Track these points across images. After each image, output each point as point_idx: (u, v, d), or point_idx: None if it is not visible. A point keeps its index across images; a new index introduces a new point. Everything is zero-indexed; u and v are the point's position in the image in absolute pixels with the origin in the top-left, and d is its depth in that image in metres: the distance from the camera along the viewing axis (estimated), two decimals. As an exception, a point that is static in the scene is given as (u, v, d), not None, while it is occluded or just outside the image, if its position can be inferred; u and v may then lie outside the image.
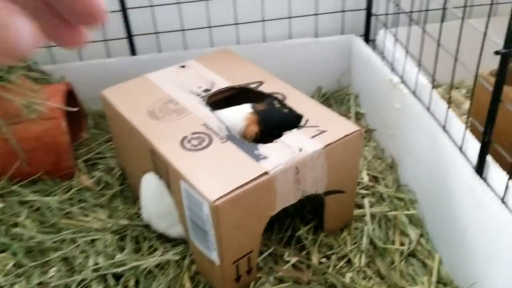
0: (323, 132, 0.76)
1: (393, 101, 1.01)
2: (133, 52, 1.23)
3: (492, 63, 0.68)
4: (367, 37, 1.25)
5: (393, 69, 1.06)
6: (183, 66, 0.95)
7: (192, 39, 1.24)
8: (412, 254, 0.86)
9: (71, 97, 1.07)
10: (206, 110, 0.82)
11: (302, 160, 0.71)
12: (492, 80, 0.66)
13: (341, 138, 0.74)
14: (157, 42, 1.24)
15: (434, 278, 0.80)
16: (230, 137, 0.75)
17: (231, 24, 1.23)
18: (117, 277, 0.79)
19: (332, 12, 1.25)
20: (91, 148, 1.11)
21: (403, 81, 1.00)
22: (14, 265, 0.82)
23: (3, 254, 0.84)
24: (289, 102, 0.83)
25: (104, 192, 0.99)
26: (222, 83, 0.89)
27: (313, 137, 0.75)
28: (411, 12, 0.98)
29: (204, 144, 0.74)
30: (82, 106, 1.14)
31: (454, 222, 0.77)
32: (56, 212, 0.93)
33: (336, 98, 1.29)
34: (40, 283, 0.78)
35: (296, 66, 1.27)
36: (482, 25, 0.68)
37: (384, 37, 1.14)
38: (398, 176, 1.01)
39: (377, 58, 1.12)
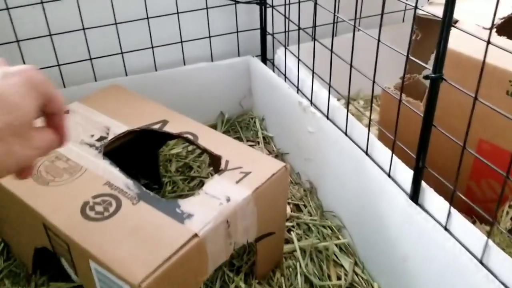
0: (247, 174, 0.67)
1: (305, 124, 0.95)
2: None
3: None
4: (264, 57, 1.19)
5: (298, 90, 1.01)
6: (66, 111, 0.80)
7: (71, 75, 1.08)
8: (351, 286, 0.81)
9: None
10: (106, 163, 0.69)
11: (232, 211, 0.62)
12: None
13: (268, 179, 0.66)
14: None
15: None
16: (142, 195, 0.63)
17: (115, 54, 1.09)
18: None
19: (226, 34, 1.18)
20: None
21: (312, 103, 0.95)
22: None
23: None
24: (202, 141, 0.73)
25: None
26: (118, 128, 0.76)
27: (238, 182, 0.65)
28: (311, 27, 0.93)
29: (112, 209, 0.61)
30: None
31: (393, 250, 0.73)
32: None
33: (241, 123, 1.21)
34: None
35: (194, 93, 1.17)
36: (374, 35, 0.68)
37: (283, 56, 1.09)
38: (320, 202, 0.96)
39: (280, 79, 1.06)
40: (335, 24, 0.80)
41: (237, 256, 0.83)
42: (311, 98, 0.95)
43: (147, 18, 1.07)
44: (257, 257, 0.74)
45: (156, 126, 0.77)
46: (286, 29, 1.04)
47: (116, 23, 1.05)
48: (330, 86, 0.86)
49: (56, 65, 1.05)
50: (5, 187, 0.66)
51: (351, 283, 0.81)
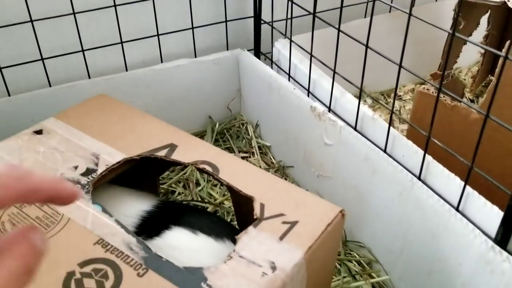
0: (293, 225, 0.50)
1: (320, 134, 0.79)
2: None
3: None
4: (258, 51, 1.02)
5: (309, 93, 0.85)
6: (39, 132, 0.60)
7: (20, 79, 0.85)
8: None
9: None
10: (97, 211, 0.49)
11: (283, 284, 0.45)
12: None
13: (322, 232, 0.50)
14: None
15: None
16: (151, 260, 0.45)
17: (74, 52, 0.87)
18: None
19: (212, 24, 0.99)
20: None
21: (330, 109, 0.79)
22: None
23: None
24: (224, 174, 0.55)
25: None
26: (110, 155, 0.57)
27: (282, 237, 0.48)
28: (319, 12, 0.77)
29: (108, 285, 0.43)
30: None
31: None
32: None
33: (230, 131, 1.03)
34: None
35: (174, 96, 0.98)
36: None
37: (284, 49, 0.92)
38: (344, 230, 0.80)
39: (281, 77, 0.89)
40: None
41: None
42: (330, 103, 0.79)
43: (114, 5, 0.86)
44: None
45: (163, 152, 0.58)
46: (289, 15, 0.86)
47: (74, 13, 0.83)
48: (361, 89, 0.70)
49: None
50: None
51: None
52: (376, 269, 0.74)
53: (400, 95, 1.17)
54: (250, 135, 1.00)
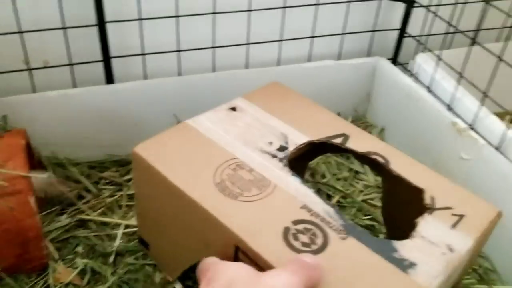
0: (461, 217, 0.58)
1: (456, 149, 0.87)
2: (109, 79, 0.92)
3: None
4: (395, 60, 1.10)
5: (449, 109, 0.93)
6: (233, 109, 0.72)
7: (189, 62, 0.98)
8: None
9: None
10: (296, 181, 0.60)
11: (457, 265, 0.54)
12: None
13: (486, 228, 0.58)
14: (143, 67, 0.95)
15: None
16: (350, 228, 0.55)
17: (241, 44, 1.00)
18: None
19: (361, 32, 1.08)
20: (55, 213, 0.80)
21: (472, 127, 0.87)
22: None
23: None
24: (395, 167, 0.65)
25: (94, 286, 0.70)
26: (296, 136, 0.68)
27: (454, 226, 0.57)
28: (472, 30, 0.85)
29: (319, 242, 0.53)
30: (41, 158, 0.82)
31: None
32: None
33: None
34: None
35: (313, 91, 1.08)
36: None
37: (425, 63, 1.00)
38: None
39: (420, 88, 0.97)
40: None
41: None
42: (472, 121, 0.86)
43: (284, 7, 0.98)
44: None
45: (338, 140, 0.68)
46: (435, 31, 0.95)
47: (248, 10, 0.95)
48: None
49: (175, 51, 0.95)
50: (185, 193, 0.58)
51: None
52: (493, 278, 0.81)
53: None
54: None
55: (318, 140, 0.68)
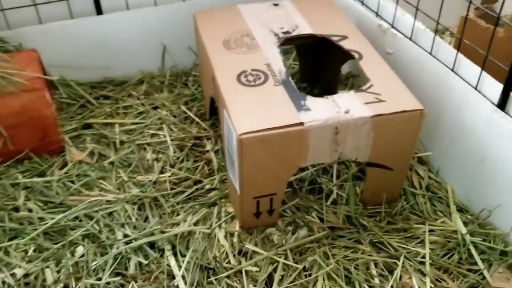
0: (380, 101, 0.71)
1: (384, 46, 0.97)
2: (98, 11, 1.07)
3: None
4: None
5: (377, 15, 1.02)
6: (276, 5, 0.95)
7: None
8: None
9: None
10: (276, 51, 0.81)
11: (344, 122, 0.68)
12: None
13: (395, 113, 0.70)
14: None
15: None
16: (285, 82, 0.75)
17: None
18: (151, 245, 0.76)
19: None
20: (66, 119, 1.02)
21: (393, 27, 0.97)
22: (35, 250, 0.75)
23: (17, 241, 0.76)
24: (363, 63, 0.79)
25: (101, 163, 0.92)
26: (305, 29, 0.87)
27: (367, 103, 0.71)
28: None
29: (258, 82, 0.75)
30: (49, 74, 1.04)
31: (471, 155, 0.81)
32: (58, 190, 0.85)
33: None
34: (73, 264, 0.73)
35: None
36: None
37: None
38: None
39: (357, 3, 1.08)
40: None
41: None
42: (393, 21, 0.97)
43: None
44: (366, 182, 0.79)
45: (336, 38, 0.85)
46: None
47: None
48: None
49: None
50: (203, 43, 0.85)
51: (426, 187, 0.88)
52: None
53: None
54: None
55: (320, 34, 0.86)
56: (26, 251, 0.75)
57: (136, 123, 1.01)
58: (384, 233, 0.78)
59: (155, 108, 1.06)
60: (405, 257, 0.74)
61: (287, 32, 0.87)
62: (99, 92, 1.10)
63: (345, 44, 0.84)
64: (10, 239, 0.77)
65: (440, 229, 0.79)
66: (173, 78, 1.13)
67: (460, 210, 0.84)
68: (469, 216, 0.82)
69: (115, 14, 1.07)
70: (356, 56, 0.81)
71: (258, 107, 0.70)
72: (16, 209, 0.82)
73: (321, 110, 0.69)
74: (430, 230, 0.78)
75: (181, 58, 1.15)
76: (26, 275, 0.71)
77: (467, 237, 0.76)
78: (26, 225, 0.79)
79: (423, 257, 0.74)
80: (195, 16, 0.93)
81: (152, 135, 0.98)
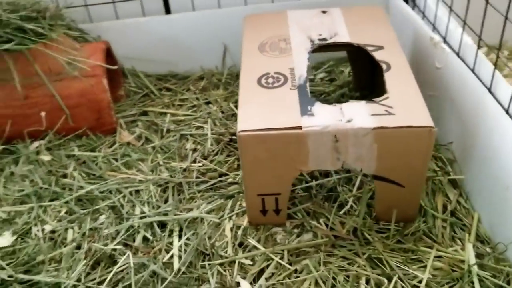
0: (390, 114, 0.70)
1: (434, 60, 0.94)
2: (167, 10, 1.19)
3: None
4: None
5: (434, 28, 0.97)
6: (324, 12, 0.96)
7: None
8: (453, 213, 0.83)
9: (109, 55, 1.09)
10: (305, 57, 0.83)
11: (344, 131, 0.68)
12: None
13: (399, 127, 0.68)
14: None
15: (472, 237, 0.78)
16: (301, 87, 0.76)
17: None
18: (163, 225, 0.83)
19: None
20: (129, 105, 1.13)
21: (445, 40, 0.92)
22: (66, 212, 0.86)
23: (55, 202, 0.88)
24: (388, 74, 0.78)
25: (145, 147, 1.01)
26: (343, 37, 0.87)
27: (374, 114, 0.70)
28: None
29: (276, 85, 0.77)
30: (120, 64, 1.15)
31: (497, 181, 0.75)
32: (101, 165, 0.96)
33: None
34: (91, 229, 0.82)
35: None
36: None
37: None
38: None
39: (416, 15, 1.04)
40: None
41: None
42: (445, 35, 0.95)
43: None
44: (375, 196, 0.78)
45: (371, 48, 0.84)
46: None
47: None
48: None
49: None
50: (244, 44, 0.90)
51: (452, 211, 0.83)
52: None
53: None
54: None
55: (356, 43, 0.86)
56: (59, 211, 0.86)
57: (187, 115, 1.09)
58: (389, 251, 0.76)
59: (208, 103, 1.13)
60: (399, 277, 0.71)
61: (324, 39, 0.88)
62: (163, 84, 1.20)
63: (378, 55, 0.83)
64: (50, 200, 0.89)
65: (448, 256, 0.74)
66: (230, 77, 1.20)
67: (483, 241, 0.78)
68: (488, 249, 0.76)
69: (182, 14, 1.18)
70: (384, 67, 0.79)
71: (266, 108, 0.73)
72: (65, 176, 0.95)
73: (324, 116, 0.70)
74: (438, 256, 0.74)
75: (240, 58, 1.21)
76: (52, 231, 0.82)
77: (474, 268, 0.71)
78: (66, 190, 0.90)
79: (420, 281, 0.71)
80: (245, 19, 0.98)
81: (198, 127, 1.05)
